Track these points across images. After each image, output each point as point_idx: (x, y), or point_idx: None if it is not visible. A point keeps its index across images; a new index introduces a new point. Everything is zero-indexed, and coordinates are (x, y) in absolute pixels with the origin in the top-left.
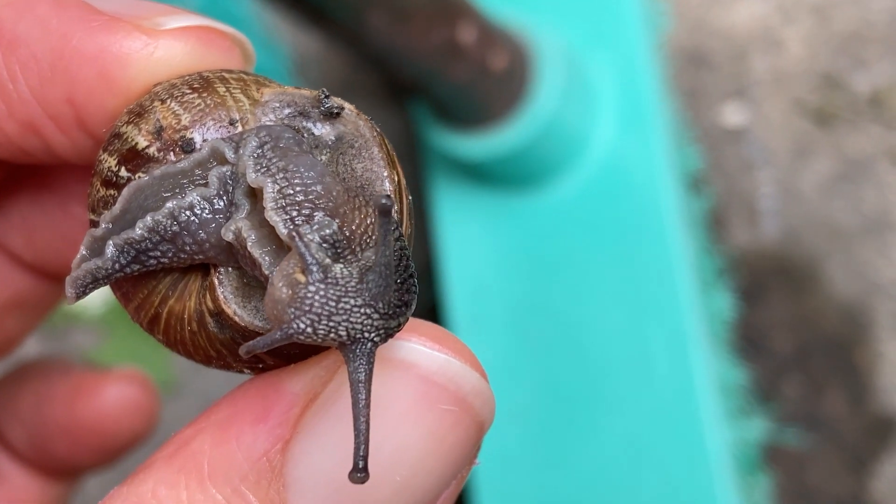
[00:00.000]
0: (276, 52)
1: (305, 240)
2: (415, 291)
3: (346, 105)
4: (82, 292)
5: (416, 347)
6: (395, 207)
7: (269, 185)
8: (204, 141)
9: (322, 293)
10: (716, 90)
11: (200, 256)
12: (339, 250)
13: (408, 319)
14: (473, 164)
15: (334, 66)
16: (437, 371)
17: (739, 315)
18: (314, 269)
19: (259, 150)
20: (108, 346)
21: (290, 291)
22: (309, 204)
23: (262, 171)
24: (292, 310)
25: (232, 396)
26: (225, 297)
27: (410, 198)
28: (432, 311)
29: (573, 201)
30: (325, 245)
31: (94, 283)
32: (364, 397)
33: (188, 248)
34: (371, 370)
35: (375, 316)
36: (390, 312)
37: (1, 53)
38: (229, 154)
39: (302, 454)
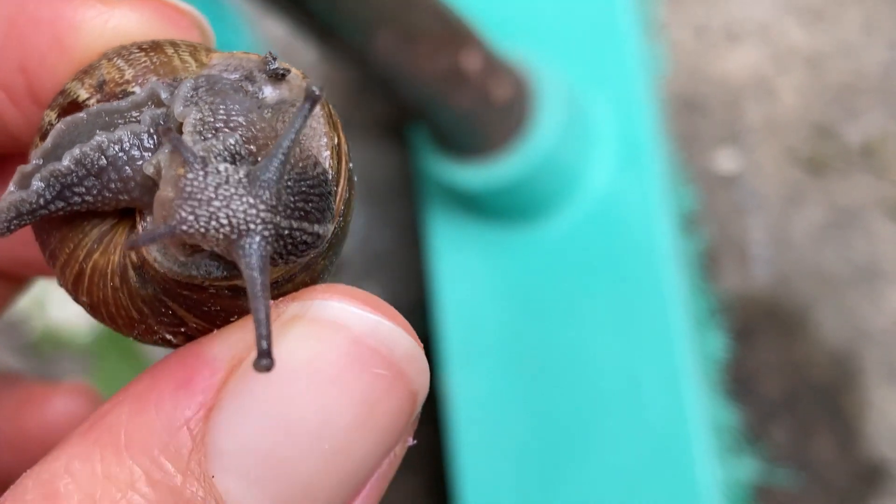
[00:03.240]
0: None
1: (184, 138)
2: (324, 211)
3: (293, 69)
4: (6, 227)
5: (346, 307)
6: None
7: (193, 113)
8: None
9: (201, 179)
10: (709, 136)
11: (125, 197)
12: (236, 160)
13: (313, 238)
14: (470, 195)
15: (332, 100)
16: (369, 333)
17: (730, 356)
18: (192, 159)
19: (192, 92)
20: (95, 375)
21: (174, 189)
22: (227, 129)
23: (190, 104)
24: (177, 201)
25: (152, 367)
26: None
27: (352, 165)
28: (425, 343)
29: (569, 237)
30: (224, 153)
31: (18, 217)
32: (260, 290)
33: (113, 186)
34: (265, 266)
35: (261, 206)
36: (280, 208)
37: None
38: (165, 96)
39: (225, 422)
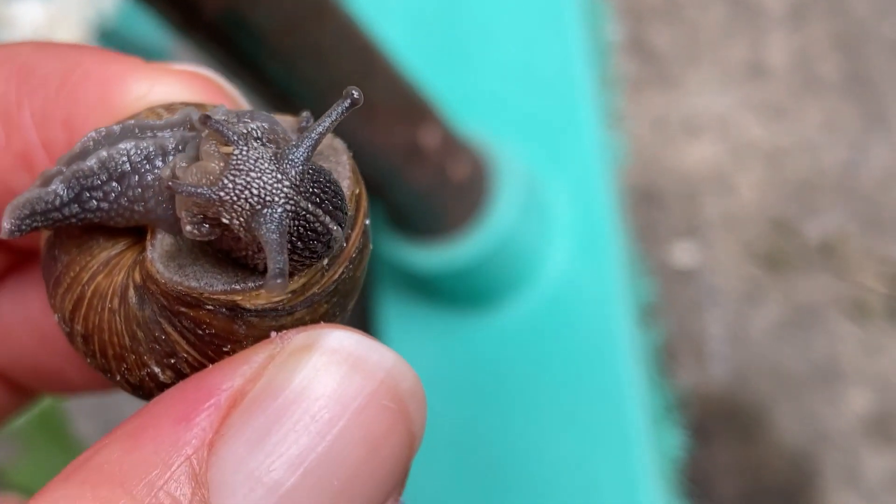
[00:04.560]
0: None
1: (222, 121)
2: (337, 209)
3: None
4: (17, 226)
5: (354, 337)
6: (350, 158)
7: (220, 115)
8: None
9: (245, 153)
10: (667, 229)
11: (141, 207)
12: (262, 142)
13: (324, 229)
14: (424, 278)
15: None
16: (377, 363)
17: (686, 455)
18: (235, 138)
19: (225, 114)
20: (25, 462)
21: (222, 161)
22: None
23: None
24: (225, 171)
25: (143, 408)
26: (152, 258)
27: (368, 222)
28: None
29: (524, 325)
30: (248, 135)
31: (32, 216)
32: (277, 247)
33: (131, 193)
34: (283, 233)
35: (286, 182)
36: (301, 188)
37: (16, 81)
38: (196, 118)
39: (229, 456)
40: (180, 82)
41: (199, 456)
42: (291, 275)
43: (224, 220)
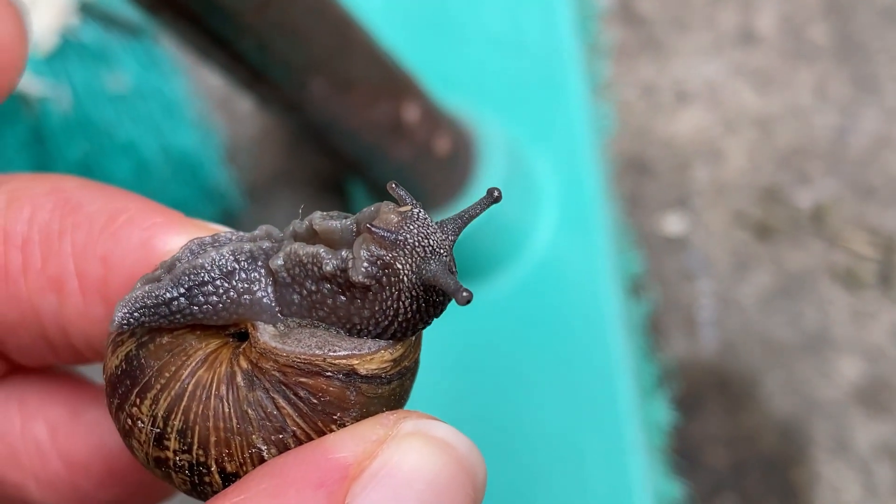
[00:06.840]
0: (207, 138)
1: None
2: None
3: None
4: (127, 319)
5: (452, 430)
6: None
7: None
8: None
9: (421, 214)
10: (657, 198)
11: (247, 299)
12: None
13: (454, 282)
14: None
15: (266, 155)
16: (467, 456)
17: (675, 426)
18: (414, 201)
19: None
20: None
21: (400, 216)
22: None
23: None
24: (405, 222)
25: (271, 467)
26: (265, 340)
27: None
28: None
29: (511, 299)
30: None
31: (142, 310)
32: (443, 276)
33: (239, 286)
34: (447, 271)
35: (447, 243)
36: (452, 252)
37: (60, 213)
38: (277, 234)
39: None
40: None
41: None
42: (399, 339)
43: (398, 266)
